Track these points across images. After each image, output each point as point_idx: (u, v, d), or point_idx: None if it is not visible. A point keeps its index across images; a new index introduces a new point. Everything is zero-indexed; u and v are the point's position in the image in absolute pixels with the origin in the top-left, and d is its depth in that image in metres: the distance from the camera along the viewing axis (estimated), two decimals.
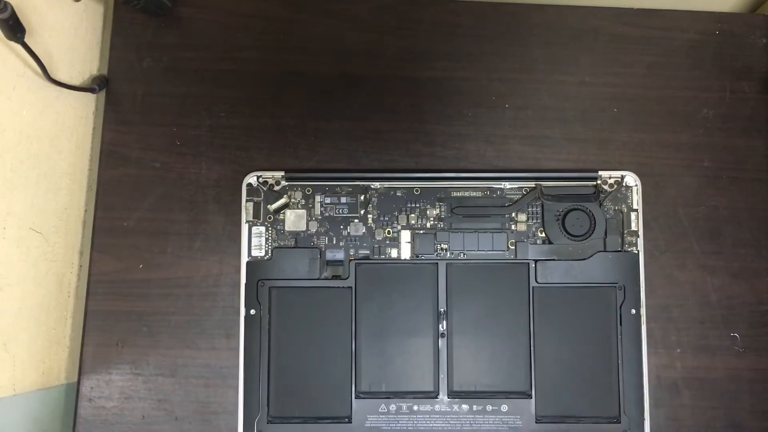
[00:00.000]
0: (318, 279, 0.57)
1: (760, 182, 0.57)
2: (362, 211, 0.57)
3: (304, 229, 0.58)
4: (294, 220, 0.59)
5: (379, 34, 0.53)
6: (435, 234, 0.57)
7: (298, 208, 0.58)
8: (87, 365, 0.51)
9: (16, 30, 0.36)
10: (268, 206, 0.57)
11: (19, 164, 0.40)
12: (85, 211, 0.52)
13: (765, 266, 0.57)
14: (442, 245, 0.57)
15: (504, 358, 0.57)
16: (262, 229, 0.59)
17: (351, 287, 0.57)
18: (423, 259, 0.57)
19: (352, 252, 0.57)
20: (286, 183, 0.58)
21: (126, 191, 0.54)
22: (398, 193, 0.58)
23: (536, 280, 0.57)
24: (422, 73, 0.57)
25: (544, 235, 0.58)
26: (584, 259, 0.57)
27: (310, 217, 0.58)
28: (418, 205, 0.58)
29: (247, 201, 0.59)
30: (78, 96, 0.46)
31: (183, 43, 0.53)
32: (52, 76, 0.41)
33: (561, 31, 0.54)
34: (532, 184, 0.58)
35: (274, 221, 0.58)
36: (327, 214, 0.57)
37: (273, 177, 0.59)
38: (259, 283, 0.57)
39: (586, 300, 0.57)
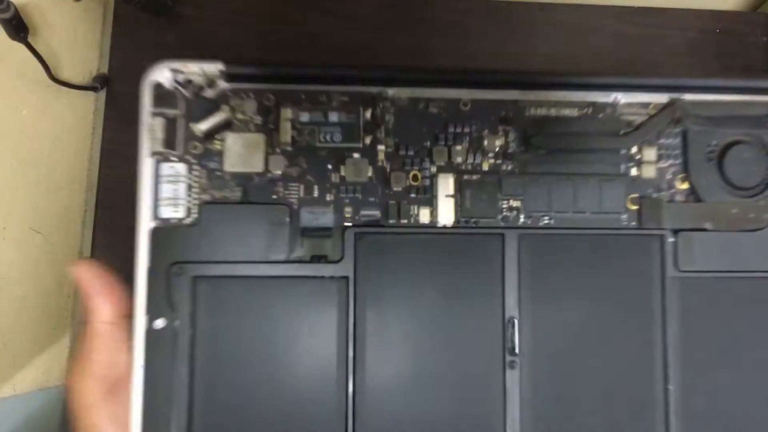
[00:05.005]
0: (286, 262, 0.32)
1: None
2: (368, 139, 0.33)
3: (259, 169, 0.33)
4: (240, 152, 0.32)
5: (380, 32, 0.51)
6: (499, 181, 0.34)
7: (248, 131, 0.33)
8: None
9: (19, 29, 0.36)
10: (192, 125, 0.32)
11: (19, 164, 0.41)
12: (85, 211, 0.51)
13: None
14: (512, 202, 0.34)
15: (621, 403, 0.33)
16: (181, 167, 0.32)
17: (347, 277, 0.33)
18: (477, 227, 0.34)
19: (348, 213, 0.33)
20: (227, 84, 0.32)
21: (126, 191, 0.44)
22: (431, 108, 0.34)
23: (676, 266, 0.34)
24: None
25: (687, 185, 0.35)
26: (758, 230, 0.34)
27: (271, 147, 0.33)
28: (467, 131, 0.34)
29: (154, 114, 0.32)
30: (78, 96, 0.47)
31: (184, 42, 0.50)
32: (54, 75, 0.41)
33: (562, 29, 0.52)
34: (665, 97, 0.34)
35: (203, 154, 0.31)
36: (303, 143, 0.33)
37: (203, 72, 0.32)
38: (174, 269, 0.31)
39: (764, 302, 0.33)
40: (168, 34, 0.50)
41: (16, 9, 0.35)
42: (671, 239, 0.33)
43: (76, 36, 0.46)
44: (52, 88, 0.42)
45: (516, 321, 0.32)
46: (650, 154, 0.34)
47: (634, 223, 0.34)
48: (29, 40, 0.38)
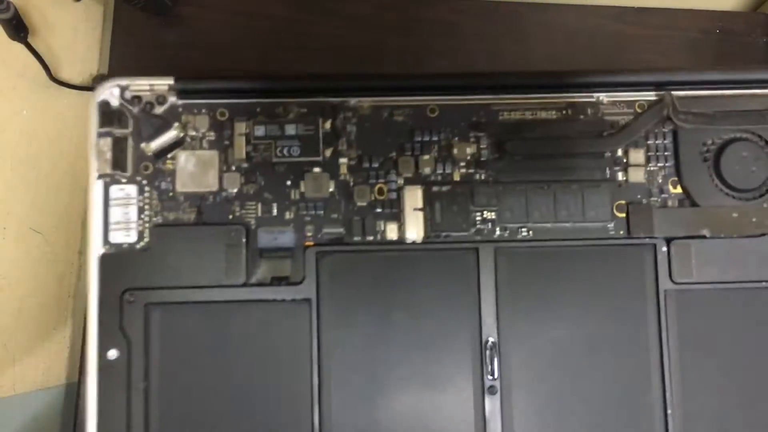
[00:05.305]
0: (244, 286, 0.31)
1: None
2: (328, 152, 0.31)
3: (214, 188, 0.31)
4: (193, 171, 0.31)
5: (380, 32, 0.51)
6: (471, 192, 0.32)
7: (201, 148, 0.31)
8: None
9: (19, 29, 0.37)
10: (144, 145, 0.31)
11: (19, 164, 0.42)
12: (85, 211, 0.49)
13: None
14: (486, 213, 0.31)
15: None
16: (132, 189, 0.30)
17: (309, 300, 0.31)
18: (449, 241, 0.32)
19: (309, 231, 0.31)
20: (179, 101, 0.30)
21: None
22: (396, 116, 0.32)
23: (671, 278, 0.31)
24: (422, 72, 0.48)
25: (680, 189, 0.32)
26: (761, 236, 0.31)
27: (225, 164, 0.31)
28: (435, 139, 0.32)
29: (100, 135, 0.30)
30: (78, 96, 0.46)
31: (183, 43, 0.51)
32: (54, 75, 0.42)
33: (561, 30, 0.52)
34: (652, 94, 0.32)
35: (155, 174, 0.30)
36: (260, 159, 0.31)
37: (152, 88, 0.30)
38: (126, 296, 0.29)
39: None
40: (168, 34, 0.50)
41: (16, 9, 0.36)
42: (664, 249, 0.31)
43: (76, 36, 0.47)
44: (52, 88, 0.43)
45: (495, 342, 0.30)
46: (638, 156, 0.32)
47: (622, 233, 0.32)
48: (29, 40, 0.38)
